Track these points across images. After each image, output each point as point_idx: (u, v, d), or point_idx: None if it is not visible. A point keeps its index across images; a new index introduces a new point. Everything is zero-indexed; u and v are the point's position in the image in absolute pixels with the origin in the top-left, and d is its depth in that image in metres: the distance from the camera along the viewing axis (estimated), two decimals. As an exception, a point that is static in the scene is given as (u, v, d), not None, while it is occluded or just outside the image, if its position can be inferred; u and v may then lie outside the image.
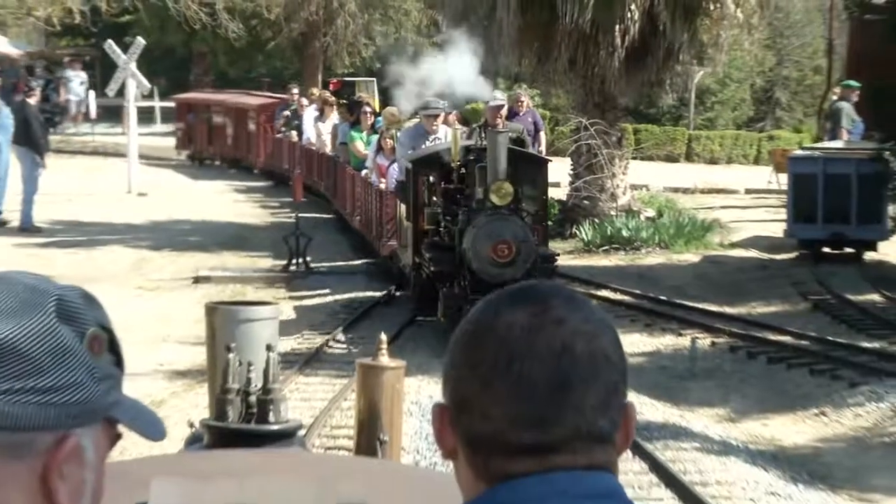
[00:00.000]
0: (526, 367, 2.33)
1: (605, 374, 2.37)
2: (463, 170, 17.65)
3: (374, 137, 25.87)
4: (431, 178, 18.78)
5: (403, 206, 20.04)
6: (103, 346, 2.27)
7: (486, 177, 15.94)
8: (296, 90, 41.34)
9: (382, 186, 23.66)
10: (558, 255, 19.84)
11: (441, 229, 18.51)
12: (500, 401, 2.32)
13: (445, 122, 21.55)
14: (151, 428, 2.32)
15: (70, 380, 2.20)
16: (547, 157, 18.67)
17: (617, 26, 27.30)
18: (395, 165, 22.36)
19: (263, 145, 39.85)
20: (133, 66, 37.04)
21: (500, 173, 15.59)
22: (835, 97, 35.94)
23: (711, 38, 30.34)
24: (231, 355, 5.11)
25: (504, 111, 19.66)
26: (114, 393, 2.27)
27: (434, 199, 18.50)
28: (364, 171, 26.13)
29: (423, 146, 20.30)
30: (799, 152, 32.81)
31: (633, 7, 27.15)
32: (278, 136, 38.26)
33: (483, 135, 18.31)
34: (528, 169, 17.64)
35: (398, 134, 22.88)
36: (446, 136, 19.55)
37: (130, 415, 2.30)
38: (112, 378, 2.28)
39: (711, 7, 28.38)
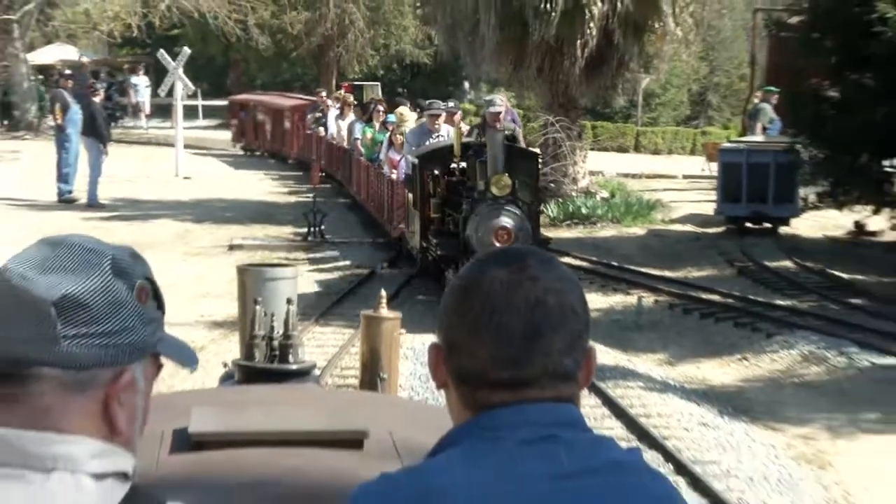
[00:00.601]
0: (505, 318, 2.36)
1: (571, 324, 2.40)
2: (464, 164, 17.05)
3: (386, 134, 25.60)
4: (436, 172, 18.22)
5: (411, 196, 19.66)
6: (149, 295, 2.29)
7: (487, 170, 15.41)
8: (324, 93, 41.20)
9: (394, 177, 23.21)
10: (551, 240, 19.28)
11: (446, 217, 18.13)
12: (484, 345, 2.36)
13: (452, 121, 20.89)
14: (188, 358, 2.35)
15: (124, 325, 2.21)
16: (537, 151, 17.94)
17: (578, 41, 27.36)
18: (402, 161, 21.87)
19: (296, 139, 39.53)
20: (180, 71, 37.05)
21: (498, 167, 15.05)
22: (757, 100, 36.25)
23: (656, 50, 30.40)
24: (258, 307, 5.12)
25: (503, 115, 19.11)
26: (158, 332, 2.29)
27: (439, 190, 18.03)
28: (379, 163, 25.64)
29: (427, 143, 19.77)
30: (727, 145, 33.10)
31: (591, 25, 27.22)
32: (308, 132, 37.98)
33: (482, 133, 17.74)
34: (521, 162, 17.04)
35: (406, 132, 22.50)
36: (448, 133, 19.00)
37: (171, 349, 2.33)
38: (156, 321, 2.30)
39: (656, 25, 28.43)
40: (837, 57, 26.49)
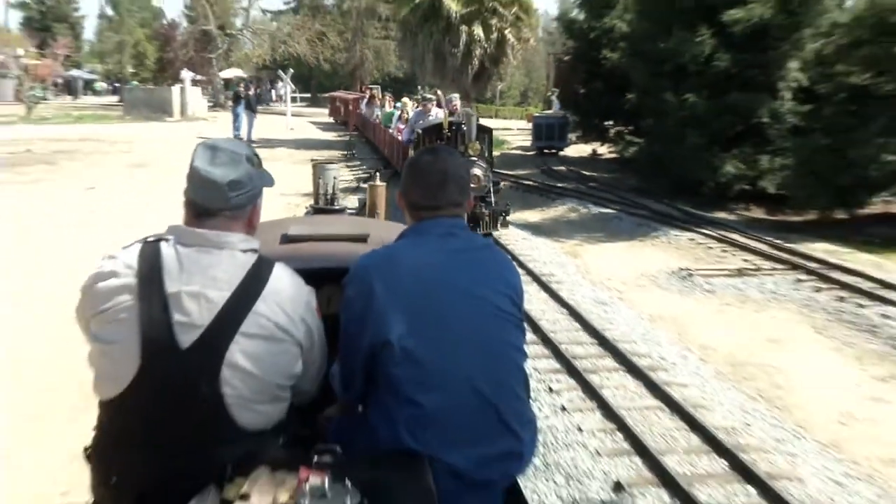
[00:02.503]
0: (429, 178, 2.32)
1: (460, 182, 2.35)
2: (449, 133, 13.96)
3: (396, 112, 24.25)
4: (432, 138, 16.14)
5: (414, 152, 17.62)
6: (260, 164, 2.26)
7: (465, 138, 13.13)
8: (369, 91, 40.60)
9: (399, 137, 20.61)
10: (500, 182, 15.71)
11: None
12: (419, 190, 2.33)
13: (435, 106, 18.28)
14: (270, 182, 2.30)
15: (255, 184, 2.19)
16: (492, 127, 16.15)
17: (469, 66, 27.04)
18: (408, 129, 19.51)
19: (354, 115, 38.25)
20: (289, 80, 36.47)
21: (472, 137, 13.00)
22: (550, 94, 36.23)
23: (505, 71, 29.96)
24: (320, 181, 5.06)
25: (457, 104, 17.11)
26: (265, 178, 2.28)
27: None
28: (390, 130, 24.66)
29: (424, 120, 17.09)
30: (536, 114, 33.30)
31: (475, 60, 26.96)
32: (359, 111, 36.93)
33: (461, 115, 14.69)
34: (484, 134, 14.15)
35: (410, 113, 20.61)
36: (437, 115, 16.81)
37: (267, 182, 2.28)
38: (264, 173, 2.27)
39: (504, 60, 28.02)
40: (585, 75, 27.29)
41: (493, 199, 12.23)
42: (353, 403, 2.32)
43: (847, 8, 15.93)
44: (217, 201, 2.11)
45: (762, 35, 16.40)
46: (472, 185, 11.78)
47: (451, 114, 14.48)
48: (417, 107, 20.64)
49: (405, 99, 24.82)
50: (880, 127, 13.44)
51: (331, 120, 44.17)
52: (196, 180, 2.11)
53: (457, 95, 16.35)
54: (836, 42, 14.82)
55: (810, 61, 16.14)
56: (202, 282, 2.06)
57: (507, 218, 12.65)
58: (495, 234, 12.15)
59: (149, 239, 2.14)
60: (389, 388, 2.15)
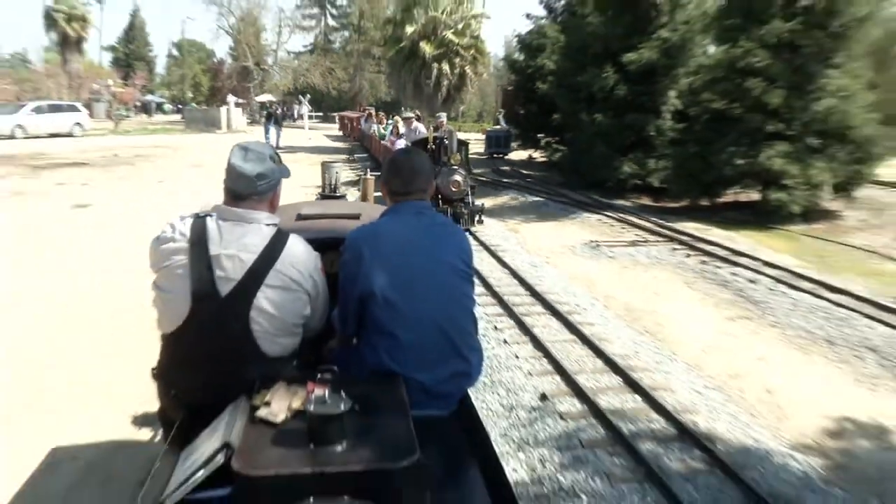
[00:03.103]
0: (403, 171, 2.20)
1: (426, 175, 2.24)
2: (433, 146, 12.25)
3: (389, 128, 23.24)
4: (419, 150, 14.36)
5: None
6: (280, 160, 2.17)
7: (447, 150, 11.77)
8: (368, 111, 38.85)
9: (392, 148, 20.11)
10: (475, 186, 13.34)
11: None
12: (396, 180, 2.20)
13: (416, 122, 17.11)
14: (287, 174, 2.18)
15: (275, 175, 2.09)
16: (468, 141, 14.17)
17: (439, 93, 26.79)
18: (399, 141, 16.82)
19: (356, 129, 37.30)
20: (306, 102, 35.80)
21: (453, 149, 11.71)
22: (498, 114, 35.76)
23: (465, 96, 29.66)
24: (326, 175, 4.94)
25: (443, 122, 14.96)
26: (283, 170, 2.17)
27: None
28: (384, 142, 23.71)
29: (410, 133, 16.03)
30: (489, 129, 32.45)
31: (443, 88, 26.70)
32: (359, 126, 35.90)
33: (444, 131, 12.96)
34: (462, 147, 12.47)
35: (402, 129, 18.56)
36: (418, 128, 15.35)
37: (285, 174, 2.16)
38: (283, 167, 2.16)
39: (465, 88, 27.74)
40: (524, 100, 26.82)
41: (471, 200, 11.45)
42: (349, 338, 2.30)
43: (710, 54, 16.00)
44: (248, 188, 2.08)
45: (650, 72, 16.50)
46: (452, 189, 10.90)
47: (437, 129, 13.60)
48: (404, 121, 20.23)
49: (396, 117, 24.31)
50: (732, 140, 13.61)
51: (340, 133, 43.15)
52: (232, 173, 2.09)
53: (444, 114, 15.16)
54: (701, 78, 14.91)
55: (684, 92, 16.25)
56: (236, 247, 2.04)
57: (482, 216, 11.63)
58: (472, 229, 11.50)
59: (199, 214, 2.14)
60: (374, 326, 2.14)
